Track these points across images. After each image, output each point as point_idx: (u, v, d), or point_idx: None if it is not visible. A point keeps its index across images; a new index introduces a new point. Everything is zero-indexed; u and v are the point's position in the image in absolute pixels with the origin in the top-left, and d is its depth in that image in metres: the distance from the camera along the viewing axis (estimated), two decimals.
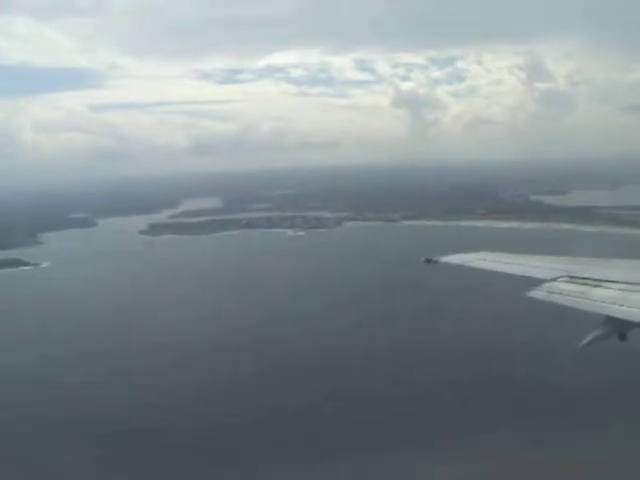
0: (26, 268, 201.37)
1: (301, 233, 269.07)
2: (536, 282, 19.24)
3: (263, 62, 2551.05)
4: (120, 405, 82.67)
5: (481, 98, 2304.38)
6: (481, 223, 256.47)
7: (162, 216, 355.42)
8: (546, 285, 19.02)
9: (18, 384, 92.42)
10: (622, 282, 17.37)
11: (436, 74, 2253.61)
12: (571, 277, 19.47)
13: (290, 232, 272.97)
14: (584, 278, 18.67)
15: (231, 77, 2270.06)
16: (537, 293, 18.78)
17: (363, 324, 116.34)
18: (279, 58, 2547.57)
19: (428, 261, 26.62)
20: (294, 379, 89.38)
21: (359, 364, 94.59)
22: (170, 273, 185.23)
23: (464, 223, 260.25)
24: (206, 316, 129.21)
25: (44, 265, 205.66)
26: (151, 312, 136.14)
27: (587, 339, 17.00)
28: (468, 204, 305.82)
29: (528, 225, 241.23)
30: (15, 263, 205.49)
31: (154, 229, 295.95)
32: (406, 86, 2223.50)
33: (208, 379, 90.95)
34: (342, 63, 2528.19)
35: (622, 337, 16.64)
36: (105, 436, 73.39)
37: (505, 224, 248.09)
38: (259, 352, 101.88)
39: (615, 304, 16.22)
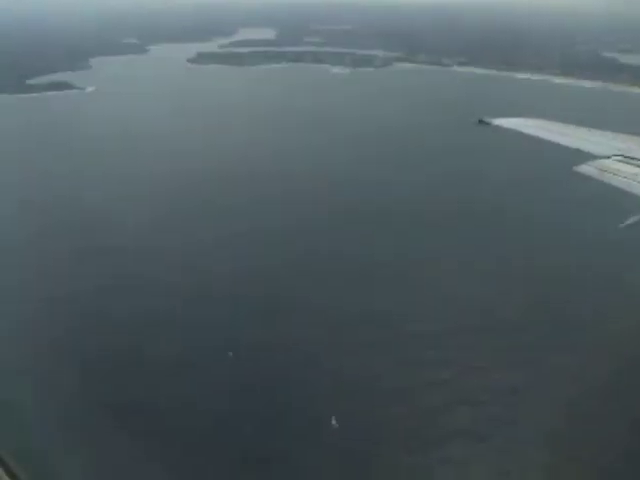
0: (71, 92, 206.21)
1: (346, 71, 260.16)
2: (587, 157, 17.83)
3: None
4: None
5: None
6: (537, 77, 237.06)
7: (213, 45, 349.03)
8: (598, 162, 17.71)
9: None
10: None
11: None
12: (625, 157, 17.82)
13: (335, 69, 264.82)
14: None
15: None
16: (586, 169, 17.65)
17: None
18: None
19: (480, 122, 25.13)
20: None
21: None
22: (204, 103, 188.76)
23: (519, 75, 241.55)
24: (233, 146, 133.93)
25: (89, 90, 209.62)
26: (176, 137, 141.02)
27: (629, 220, 16.08)
28: (529, 54, 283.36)
29: (587, 84, 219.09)
30: (61, 86, 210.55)
31: (201, 58, 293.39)
32: None
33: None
34: None
35: None
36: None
37: (562, 80, 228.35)
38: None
39: None
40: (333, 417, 48.02)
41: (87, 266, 75.16)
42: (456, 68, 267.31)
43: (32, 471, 43.36)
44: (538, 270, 73.27)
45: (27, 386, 52.84)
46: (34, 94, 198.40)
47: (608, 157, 16.45)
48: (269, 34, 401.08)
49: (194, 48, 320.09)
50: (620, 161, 16.11)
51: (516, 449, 44.56)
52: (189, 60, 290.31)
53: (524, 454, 44.04)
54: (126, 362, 55.88)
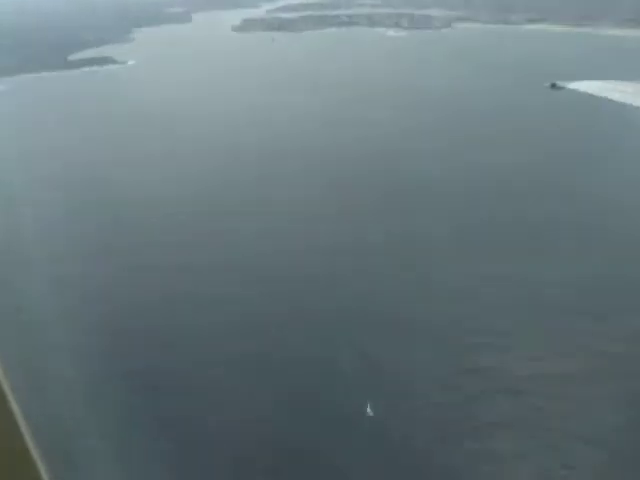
0: (112, 67, 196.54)
1: (402, 34, 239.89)
2: None
3: None
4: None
5: None
6: (622, 32, 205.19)
7: (260, 11, 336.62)
8: None
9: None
10: None
11: None
12: None
13: (391, 32, 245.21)
14: None
15: None
16: None
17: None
18: None
19: (553, 86, 16.03)
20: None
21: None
22: (243, 72, 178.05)
23: (602, 31, 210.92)
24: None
25: (130, 63, 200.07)
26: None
27: None
28: (611, 4, 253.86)
29: None
30: (103, 61, 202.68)
31: (247, 25, 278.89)
32: None
33: None
34: None
35: None
36: None
37: None
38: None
39: None
40: (368, 405, 44.21)
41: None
42: (526, 26, 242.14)
43: None
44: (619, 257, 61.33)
45: None
46: (75, 70, 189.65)
47: None
48: None
49: (239, 14, 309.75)
50: None
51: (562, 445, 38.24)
52: (234, 28, 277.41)
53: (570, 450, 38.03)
54: None
